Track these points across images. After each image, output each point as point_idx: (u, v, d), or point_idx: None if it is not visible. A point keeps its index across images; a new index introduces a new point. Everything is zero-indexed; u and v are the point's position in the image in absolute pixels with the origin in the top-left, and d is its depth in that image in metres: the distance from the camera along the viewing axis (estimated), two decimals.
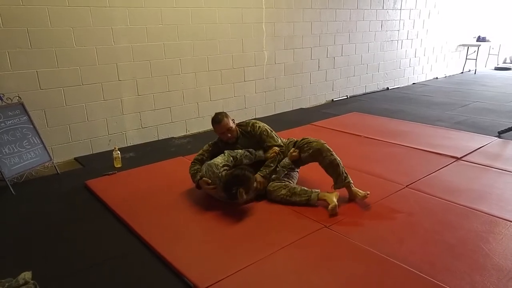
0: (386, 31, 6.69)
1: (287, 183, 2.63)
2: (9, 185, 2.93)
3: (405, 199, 2.62)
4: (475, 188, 2.77)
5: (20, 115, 3.19)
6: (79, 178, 3.15)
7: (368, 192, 2.51)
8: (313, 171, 2.79)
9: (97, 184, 2.98)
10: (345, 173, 2.57)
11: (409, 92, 6.66)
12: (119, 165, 3.40)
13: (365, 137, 4.04)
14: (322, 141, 2.64)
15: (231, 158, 2.61)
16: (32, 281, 1.82)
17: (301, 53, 5.45)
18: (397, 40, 6.97)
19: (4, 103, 3.12)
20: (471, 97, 6.06)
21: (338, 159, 2.59)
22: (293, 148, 2.73)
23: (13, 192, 2.92)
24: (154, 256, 2.07)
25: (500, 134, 4.03)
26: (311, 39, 5.52)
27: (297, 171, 2.84)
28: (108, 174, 3.19)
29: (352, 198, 2.57)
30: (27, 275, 1.84)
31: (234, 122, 2.80)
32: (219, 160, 2.58)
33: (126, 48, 3.81)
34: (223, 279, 1.83)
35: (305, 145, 2.66)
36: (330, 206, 2.37)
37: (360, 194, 2.52)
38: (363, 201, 2.53)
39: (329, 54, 5.86)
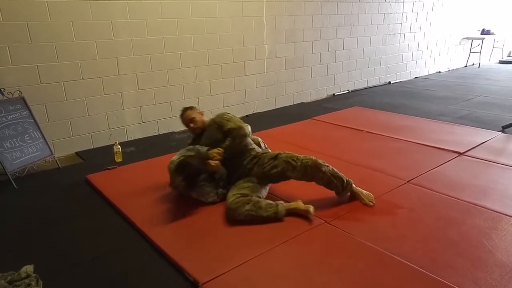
0: (389, 24, 6.63)
1: (250, 196, 2.32)
2: (11, 179, 2.94)
3: (406, 194, 2.60)
4: (478, 183, 2.75)
5: (21, 110, 3.19)
6: (80, 172, 3.15)
7: (372, 201, 2.43)
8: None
9: (98, 179, 2.98)
10: (343, 178, 2.43)
11: (411, 86, 6.62)
12: (119, 160, 3.39)
13: (366, 131, 4.02)
14: (313, 157, 2.41)
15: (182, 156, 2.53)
16: (34, 275, 1.83)
17: (302, 46, 5.40)
18: (400, 34, 6.90)
19: (5, 98, 3.12)
20: (475, 91, 6.01)
21: (333, 167, 2.44)
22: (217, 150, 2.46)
23: (15, 186, 2.93)
24: (154, 250, 2.07)
25: (504, 129, 3.99)
26: (312, 32, 5.48)
27: (267, 188, 2.56)
28: (109, 169, 3.19)
29: (354, 196, 2.49)
30: (29, 268, 1.85)
31: (202, 115, 2.79)
32: (175, 158, 2.53)
33: (126, 42, 3.79)
34: (223, 273, 1.83)
35: (293, 161, 2.39)
36: (310, 209, 2.27)
37: (363, 201, 2.43)
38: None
39: (331, 47, 5.82)
